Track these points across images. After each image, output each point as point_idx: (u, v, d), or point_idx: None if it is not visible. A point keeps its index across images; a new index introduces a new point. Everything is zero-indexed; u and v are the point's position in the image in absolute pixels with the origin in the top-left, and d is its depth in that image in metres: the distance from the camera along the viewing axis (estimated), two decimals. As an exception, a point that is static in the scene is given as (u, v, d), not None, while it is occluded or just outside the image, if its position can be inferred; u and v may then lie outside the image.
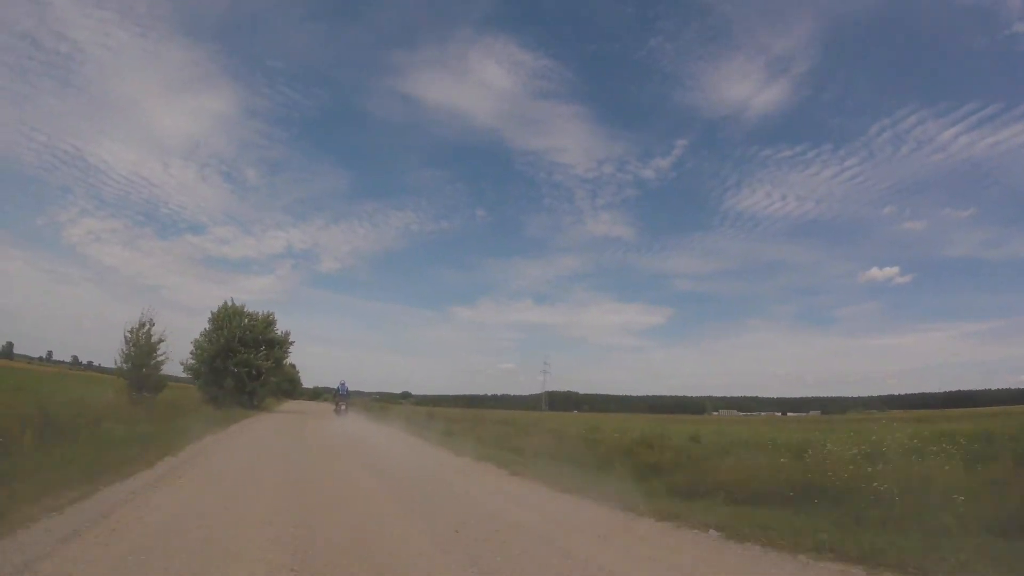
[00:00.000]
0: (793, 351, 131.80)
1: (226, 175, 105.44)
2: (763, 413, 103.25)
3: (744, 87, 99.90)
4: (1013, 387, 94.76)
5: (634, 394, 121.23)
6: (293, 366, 66.28)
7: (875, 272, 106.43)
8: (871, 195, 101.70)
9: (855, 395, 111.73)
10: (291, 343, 35.77)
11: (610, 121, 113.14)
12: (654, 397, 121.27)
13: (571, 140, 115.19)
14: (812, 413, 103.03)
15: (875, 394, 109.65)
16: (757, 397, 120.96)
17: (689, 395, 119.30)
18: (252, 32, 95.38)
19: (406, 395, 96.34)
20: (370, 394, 53.22)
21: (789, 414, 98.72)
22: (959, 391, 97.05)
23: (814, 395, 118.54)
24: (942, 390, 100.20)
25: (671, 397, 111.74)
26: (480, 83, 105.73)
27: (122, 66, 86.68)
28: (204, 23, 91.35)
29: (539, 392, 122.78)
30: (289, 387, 66.02)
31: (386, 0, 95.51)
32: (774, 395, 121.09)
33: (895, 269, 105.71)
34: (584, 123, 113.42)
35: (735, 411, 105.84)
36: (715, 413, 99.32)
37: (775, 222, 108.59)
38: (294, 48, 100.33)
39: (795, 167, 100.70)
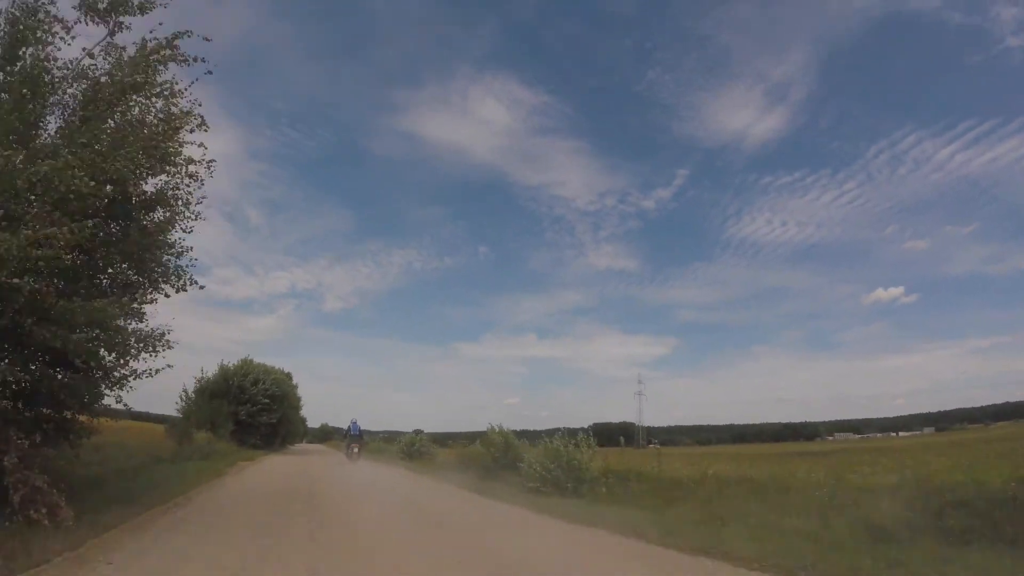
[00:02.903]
0: (799, 376, 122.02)
1: (228, 216, 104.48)
2: (878, 435, 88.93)
3: (743, 115, 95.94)
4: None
5: (664, 424, 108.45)
6: (293, 381, 36.96)
7: (880, 293, 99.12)
8: (871, 217, 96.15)
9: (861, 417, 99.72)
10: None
11: (610, 154, 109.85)
12: (746, 425, 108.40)
13: (572, 174, 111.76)
14: (926, 431, 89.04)
15: (884, 416, 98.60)
16: (859, 420, 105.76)
17: (792, 420, 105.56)
18: (255, 73, 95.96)
19: (418, 433, 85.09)
20: (378, 433, 45.77)
21: (901, 434, 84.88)
22: (973, 408, 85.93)
23: (819, 419, 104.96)
24: (950, 408, 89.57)
25: (777, 424, 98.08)
26: (481, 120, 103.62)
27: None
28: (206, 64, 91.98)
29: (551, 428, 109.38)
30: (284, 427, 35.67)
31: (387, 39, 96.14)
32: (778, 420, 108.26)
33: (900, 289, 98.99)
34: (584, 156, 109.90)
35: (850, 434, 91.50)
36: (829, 438, 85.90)
37: (776, 248, 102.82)
38: (296, 88, 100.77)
39: (795, 193, 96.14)
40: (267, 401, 30.70)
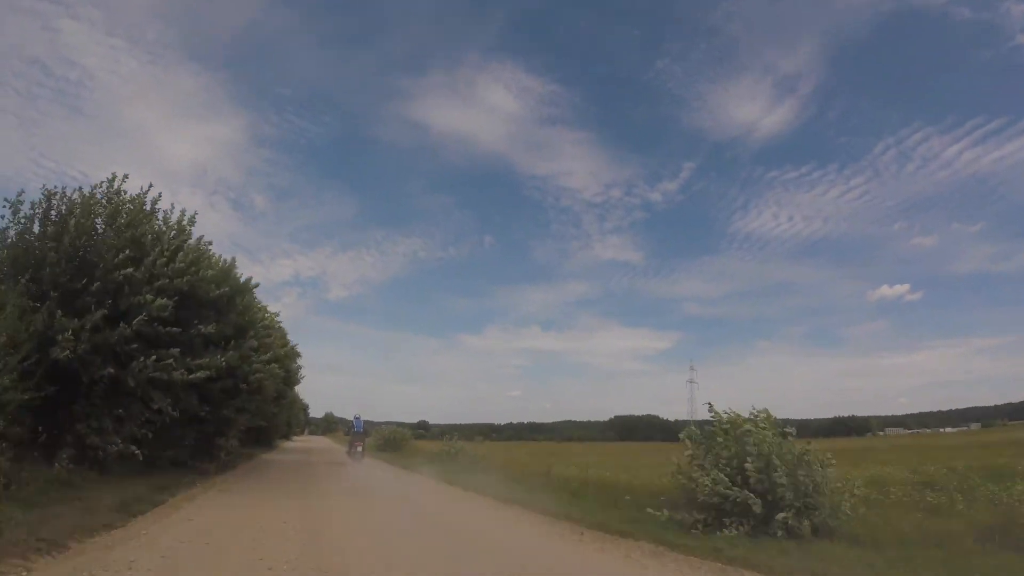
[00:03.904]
0: (802, 372, 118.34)
1: (233, 202, 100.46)
2: (927, 429, 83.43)
3: (751, 108, 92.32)
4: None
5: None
6: (292, 346, 23.27)
7: (885, 290, 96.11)
8: (878, 213, 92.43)
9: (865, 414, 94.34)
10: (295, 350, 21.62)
11: (617, 144, 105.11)
12: (790, 420, 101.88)
13: (578, 164, 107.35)
14: (973, 426, 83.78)
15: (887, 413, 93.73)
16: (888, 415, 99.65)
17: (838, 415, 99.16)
18: (261, 59, 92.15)
19: (423, 425, 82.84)
20: (380, 424, 41.15)
21: (948, 429, 79.38)
22: (987, 407, 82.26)
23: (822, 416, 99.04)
24: (961, 407, 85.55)
25: (828, 419, 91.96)
26: (488, 108, 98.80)
27: (131, 93, 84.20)
28: (213, 51, 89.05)
29: (554, 421, 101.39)
30: (247, 404, 13.42)
31: (395, 26, 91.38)
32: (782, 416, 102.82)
33: (905, 286, 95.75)
34: (591, 147, 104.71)
35: (900, 429, 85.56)
36: (881, 433, 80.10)
37: (783, 243, 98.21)
38: (303, 75, 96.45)
39: (801, 187, 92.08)
40: (166, 302, 9.54)
